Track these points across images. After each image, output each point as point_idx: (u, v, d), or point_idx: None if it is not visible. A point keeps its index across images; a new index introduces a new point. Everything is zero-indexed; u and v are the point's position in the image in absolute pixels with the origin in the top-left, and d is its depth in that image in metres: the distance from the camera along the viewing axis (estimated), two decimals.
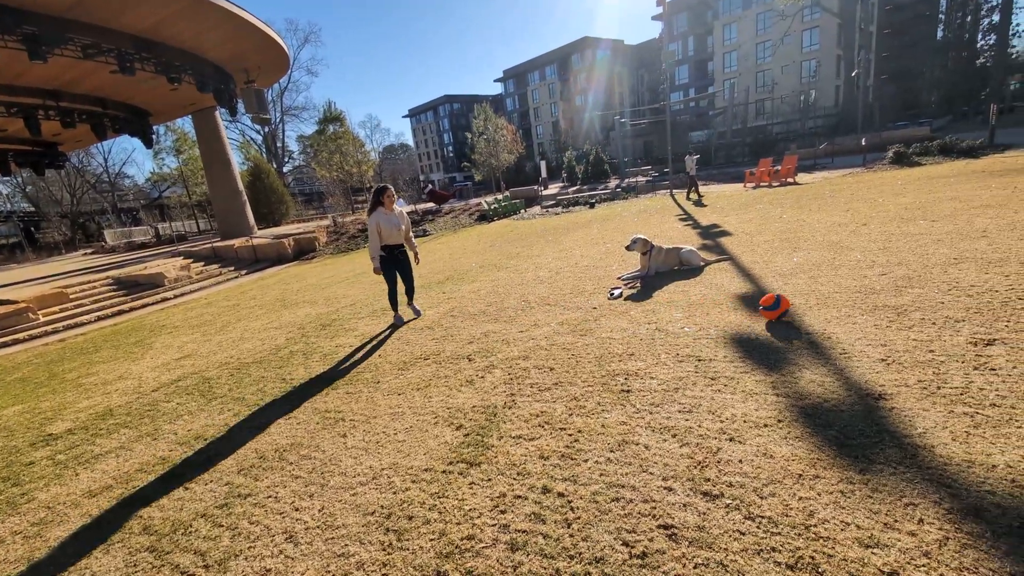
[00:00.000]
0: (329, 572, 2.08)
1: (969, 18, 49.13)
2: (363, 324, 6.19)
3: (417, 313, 6.08)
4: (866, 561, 1.69)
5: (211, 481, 3.01)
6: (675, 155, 21.80)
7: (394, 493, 2.55)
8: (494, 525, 2.18)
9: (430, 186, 38.13)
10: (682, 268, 6.14)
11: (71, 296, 11.66)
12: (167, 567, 2.29)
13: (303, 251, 18.15)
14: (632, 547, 1.91)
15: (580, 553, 1.93)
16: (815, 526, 1.87)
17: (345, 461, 2.96)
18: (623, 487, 2.27)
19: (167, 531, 2.56)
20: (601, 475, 2.38)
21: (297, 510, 2.55)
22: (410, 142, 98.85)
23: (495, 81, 76.27)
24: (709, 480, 2.21)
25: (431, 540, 2.16)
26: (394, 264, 5.79)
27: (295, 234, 19.28)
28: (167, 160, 33.51)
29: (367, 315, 6.64)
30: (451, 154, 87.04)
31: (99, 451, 3.75)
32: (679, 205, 14.24)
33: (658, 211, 13.60)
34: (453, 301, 6.55)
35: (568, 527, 2.08)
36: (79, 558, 2.48)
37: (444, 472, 2.66)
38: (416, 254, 6.01)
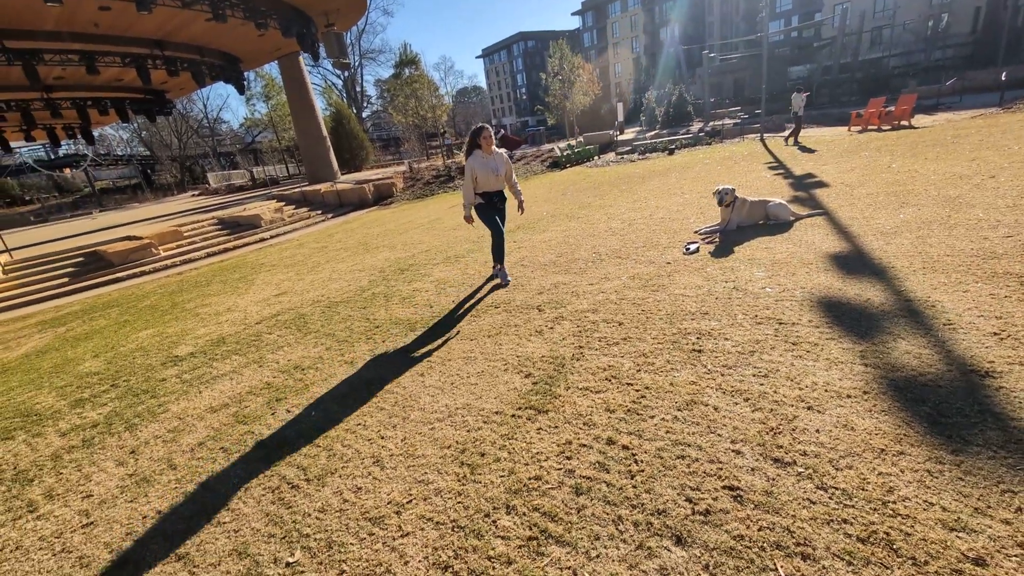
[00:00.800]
0: (411, 495, 2.33)
1: None
2: (437, 270, 6.45)
3: (504, 280, 5.35)
4: (949, 544, 1.63)
5: (308, 406, 3.40)
6: (770, 94, 19.72)
7: (467, 431, 2.75)
8: (560, 469, 2.31)
9: (502, 131, 37.48)
10: (768, 223, 5.74)
11: (185, 234, 13.06)
12: (276, 476, 2.67)
13: (382, 196, 18.87)
14: (695, 504, 1.96)
15: (643, 504, 2.01)
16: (894, 503, 1.81)
17: (423, 398, 3.21)
18: (689, 446, 2.30)
19: (274, 446, 2.97)
20: (667, 432, 2.42)
21: (382, 438, 2.84)
22: (483, 84, 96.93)
23: (572, 14, 71.54)
24: (781, 447, 2.18)
25: (501, 476, 2.34)
26: (493, 212, 5.26)
27: (374, 180, 20.01)
28: (258, 106, 35.59)
29: (441, 262, 6.90)
30: (524, 96, 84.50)
31: (216, 373, 4.33)
32: (770, 151, 13.05)
33: (745, 158, 12.57)
34: (524, 250, 6.61)
35: (632, 478, 2.16)
36: (205, 462, 2.95)
37: (513, 416, 2.82)
38: (521, 202, 5.41)
